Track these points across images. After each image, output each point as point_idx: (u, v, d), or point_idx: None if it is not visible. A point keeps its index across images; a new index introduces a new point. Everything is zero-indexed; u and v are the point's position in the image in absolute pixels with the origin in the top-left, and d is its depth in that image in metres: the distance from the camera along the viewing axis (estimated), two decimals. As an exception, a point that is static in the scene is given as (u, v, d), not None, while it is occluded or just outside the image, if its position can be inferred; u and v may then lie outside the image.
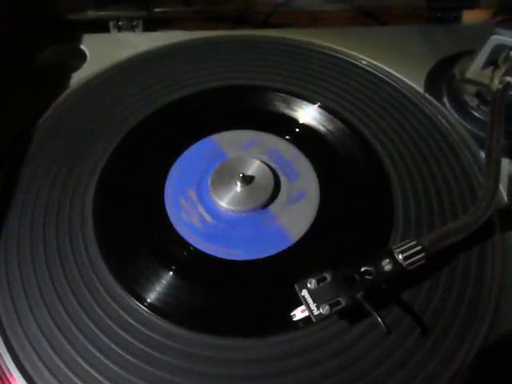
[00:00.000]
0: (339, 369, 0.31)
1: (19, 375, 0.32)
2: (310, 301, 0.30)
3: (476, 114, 0.44)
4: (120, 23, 0.56)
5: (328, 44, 0.51)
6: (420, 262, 0.32)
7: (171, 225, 0.38)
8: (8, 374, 0.32)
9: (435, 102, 0.46)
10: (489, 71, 0.44)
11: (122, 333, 0.33)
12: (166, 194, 0.40)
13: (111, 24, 0.56)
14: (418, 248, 0.32)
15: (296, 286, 0.31)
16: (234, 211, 0.39)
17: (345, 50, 0.51)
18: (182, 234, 0.38)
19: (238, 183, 0.39)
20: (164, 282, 0.36)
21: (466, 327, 0.33)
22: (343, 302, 0.30)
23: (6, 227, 0.38)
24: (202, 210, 0.39)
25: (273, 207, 0.39)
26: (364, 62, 0.50)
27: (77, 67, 0.50)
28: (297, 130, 0.45)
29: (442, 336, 0.33)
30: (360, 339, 0.32)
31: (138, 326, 0.33)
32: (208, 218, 0.39)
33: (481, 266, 0.36)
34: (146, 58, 0.51)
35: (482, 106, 0.44)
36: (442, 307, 0.34)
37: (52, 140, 0.43)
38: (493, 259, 0.36)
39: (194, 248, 0.37)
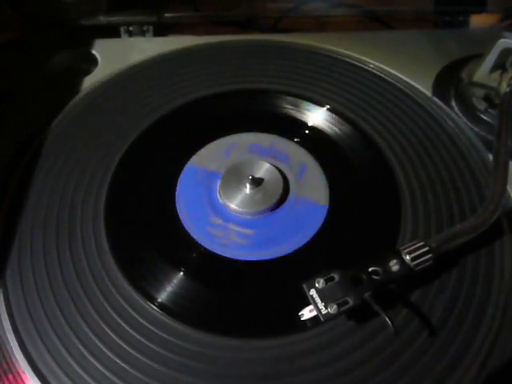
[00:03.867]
0: (346, 370, 0.32)
1: (32, 375, 0.32)
2: (318, 300, 0.31)
3: (484, 117, 0.44)
4: (131, 28, 0.57)
5: (336, 48, 0.52)
6: (428, 263, 0.32)
7: (182, 226, 0.39)
8: (21, 373, 0.32)
9: (443, 106, 0.46)
10: (496, 74, 0.44)
11: (133, 333, 0.33)
12: (177, 196, 0.41)
13: (122, 29, 0.57)
14: (426, 249, 0.33)
15: (304, 286, 0.31)
16: (242, 213, 0.39)
17: (353, 54, 0.51)
18: (192, 235, 0.38)
19: (248, 185, 0.40)
20: (175, 282, 0.36)
21: (474, 329, 0.33)
22: (351, 302, 0.31)
23: (20, 230, 0.38)
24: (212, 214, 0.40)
25: (281, 209, 0.40)
26: (372, 66, 0.50)
27: (88, 72, 0.51)
28: (306, 132, 0.45)
29: (450, 338, 0.33)
30: (367, 341, 0.32)
31: (149, 325, 0.34)
32: (217, 220, 0.39)
33: (489, 267, 0.36)
34: (156, 63, 0.51)
35: (489, 110, 0.44)
36: (451, 309, 0.34)
37: (64, 143, 0.44)
38: (501, 260, 0.36)
39: (205, 249, 0.38)
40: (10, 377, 0.32)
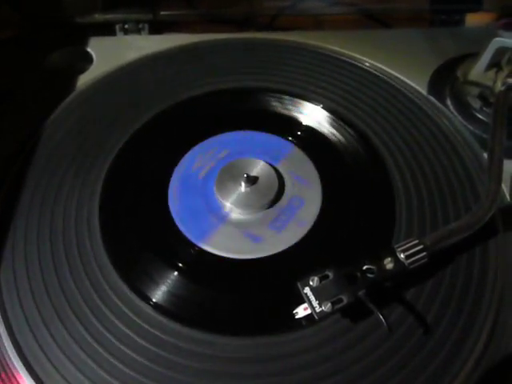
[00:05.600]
0: (340, 369, 0.32)
1: (27, 374, 0.32)
2: (312, 298, 0.31)
3: (479, 115, 0.44)
4: (126, 26, 0.57)
5: (332, 47, 0.52)
6: (422, 261, 0.32)
7: (175, 226, 0.39)
8: (15, 372, 0.32)
9: (438, 104, 0.46)
10: (492, 73, 0.44)
11: (128, 332, 0.33)
12: (169, 196, 0.41)
13: (117, 27, 0.57)
14: (420, 247, 0.33)
15: (298, 284, 0.31)
16: (238, 212, 0.39)
17: (349, 52, 0.51)
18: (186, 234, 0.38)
19: (243, 184, 0.40)
20: (169, 281, 0.36)
21: (468, 328, 0.33)
22: (345, 300, 0.31)
23: (14, 228, 0.38)
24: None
25: (276, 207, 0.40)
26: (368, 65, 0.50)
27: (84, 69, 0.50)
28: (300, 131, 0.45)
29: (445, 336, 0.33)
30: (362, 339, 0.32)
31: (144, 324, 0.33)
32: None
33: (483, 265, 0.36)
34: (152, 61, 0.51)
35: (484, 108, 0.44)
36: (445, 307, 0.34)
37: (59, 141, 0.44)
38: (495, 258, 0.36)
39: (199, 248, 0.37)
40: (3, 375, 0.32)
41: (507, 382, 0.32)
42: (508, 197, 0.40)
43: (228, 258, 0.37)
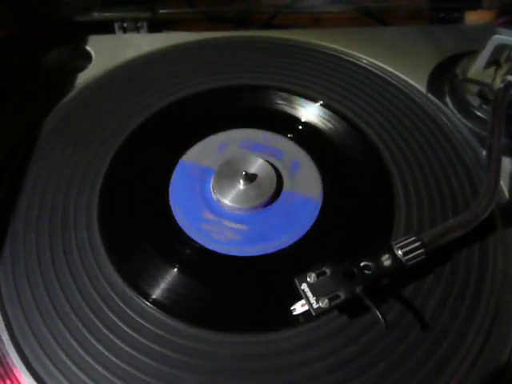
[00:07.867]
0: (337, 366, 0.31)
1: (26, 371, 0.32)
2: (309, 294, 0.31)
3: (478, 113, 0.44)
4: (125, 24, 0.57)
5: (331, 44, 0.52)
6: (419, 258, 0.33)
7: (176, 222, 0.39)
8: (14, 370, 0.32)
9: (438, 102, 0.46)
10: (491, 71, 0.44)
11: (126, 329, 0.33)
12: (170, 192, 0.41)
13: (116, 25, 0.57)
14: (418, 244, 0.33)
15: (296, 280, 0.31)
16: (236, 209, 0.39)
17: (348, 50, 0.51)
18: (186, 230, 0.38)
19: (241, 181, 0.40)
20: (169, 278, 0.36)
21: (466, 325, 0.33)
22: (342, 296, 0.31)
23: (12, 227, 0.38)
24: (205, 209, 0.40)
25: (275, 205, 0.40)
26: (366, 62, 0.50)
27: (82, 68, 0.51)
28: (299, 128, 0.45)
29: (443, 333, 0.33)
30: (359, 336, 0.32)
31: (142, 321, 0.34)
32: (210, 215, 0.39)
33: (482, 262, 0.36)
34: (151, 59, 0.51)
35: (483, 106, 0.44)
36: (444, 304, 0.34)
37: (57, 140, 0.44)
38: (494, 255, 0.36)
39: (198, 245, 0.37)
40: (2, 371, 0.32)
41: (504, 381, 0.32)
42: (507, 194, 0.40)
43: (227, 255, 0.37)
